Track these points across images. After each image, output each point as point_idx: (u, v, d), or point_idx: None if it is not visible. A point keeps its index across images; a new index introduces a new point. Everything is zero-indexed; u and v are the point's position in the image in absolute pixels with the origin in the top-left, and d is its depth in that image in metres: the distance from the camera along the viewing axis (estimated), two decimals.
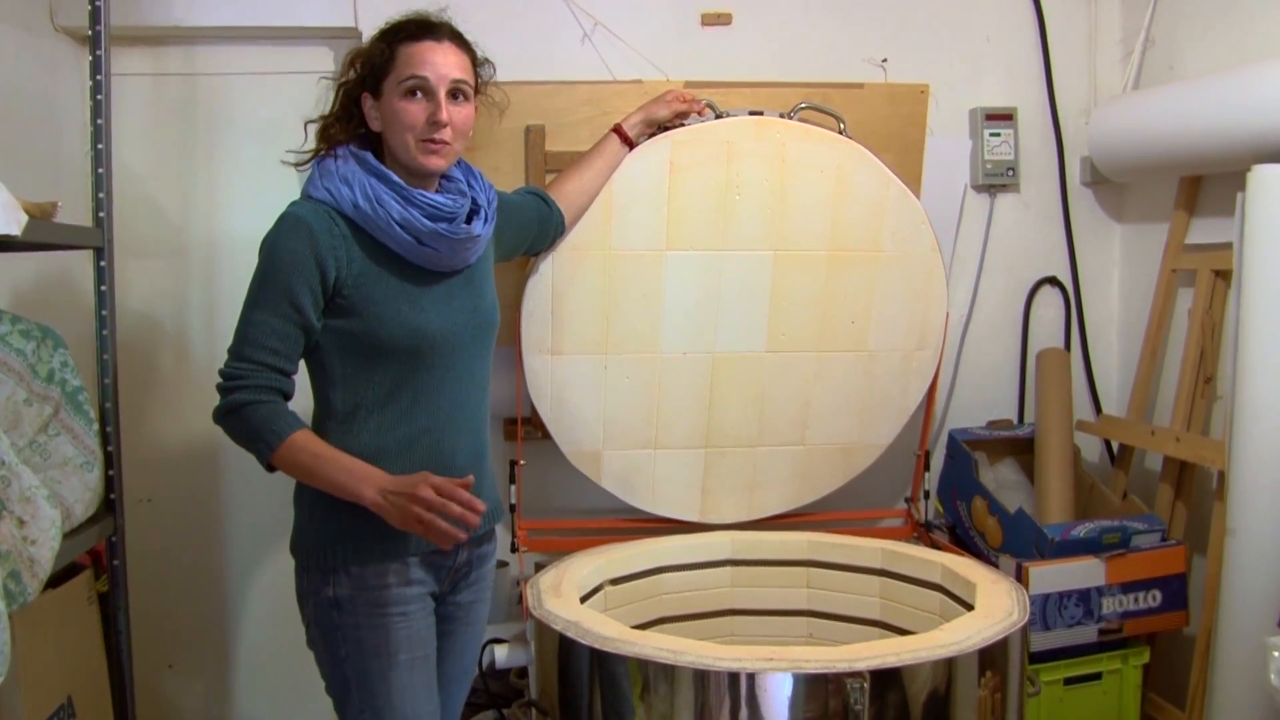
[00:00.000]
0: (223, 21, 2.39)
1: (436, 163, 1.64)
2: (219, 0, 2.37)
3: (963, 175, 2.49)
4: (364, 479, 1.52)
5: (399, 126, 1.62)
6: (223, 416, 1.57)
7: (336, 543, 1.60)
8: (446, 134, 1.63)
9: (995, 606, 1.83)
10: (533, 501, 2.38)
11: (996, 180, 2.61)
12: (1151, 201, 2.60)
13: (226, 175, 2.51)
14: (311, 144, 1.71)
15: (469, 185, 1.74)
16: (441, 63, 1.62)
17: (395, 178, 1.62)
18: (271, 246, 1.58)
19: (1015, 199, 2.67)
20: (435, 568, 1.68)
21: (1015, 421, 2.67)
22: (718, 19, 2.50)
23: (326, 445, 1.57)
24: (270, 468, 1.58)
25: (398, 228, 1.60)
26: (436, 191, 1.69)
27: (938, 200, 2.32)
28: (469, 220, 1.69)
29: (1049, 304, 2.71)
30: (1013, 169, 2.61)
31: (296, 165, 1.71)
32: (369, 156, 1.64)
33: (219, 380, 1.57)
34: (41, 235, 1.59)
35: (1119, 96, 2.55)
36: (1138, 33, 2.56)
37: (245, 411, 1.54)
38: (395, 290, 1.62)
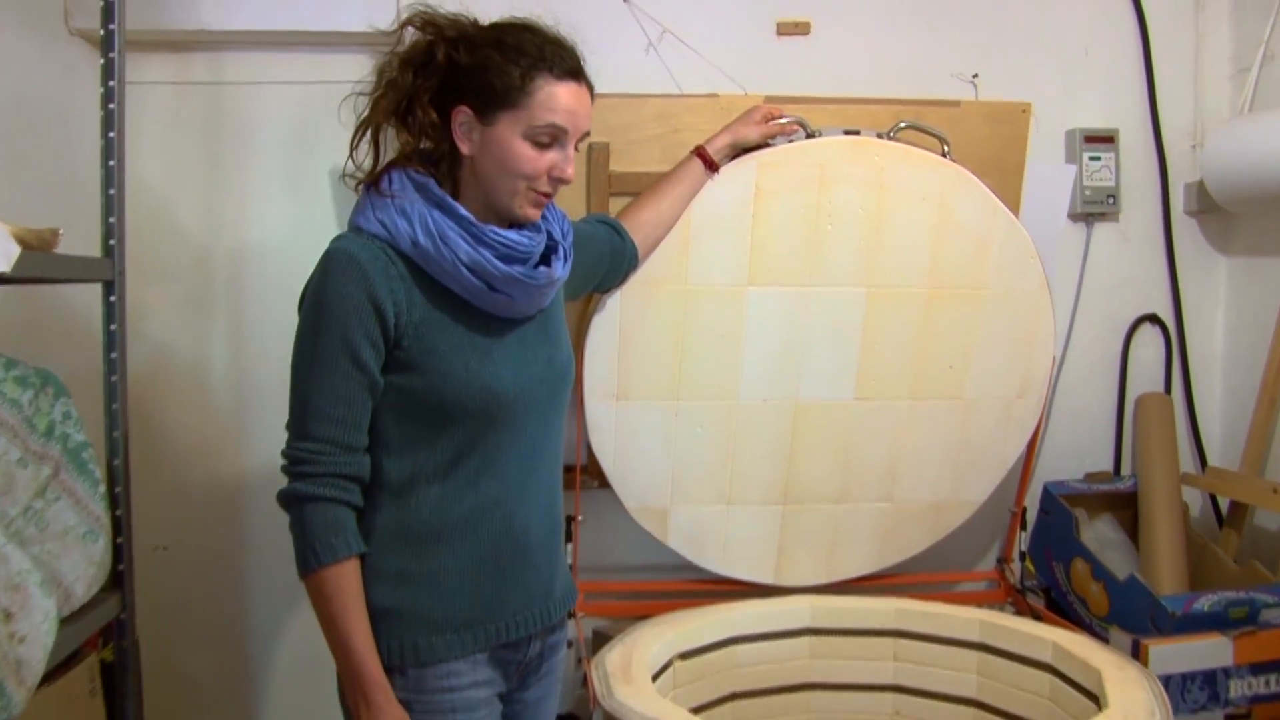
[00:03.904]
0: (253, 25, 2.16)
1: (537, 215, 1.43)
2: (249, 2, 2.15)
3: (1064, 203, 2.26)
4: (372, 683, 1.33)
5: (512, 171, 1.38)
6: (285, 505, 1.36)
7: (393, 636, 1.37)
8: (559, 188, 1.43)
9: (1132, 704, 1.62)
10: (589, 557, 2.15)
11: (1095, 209, 2.38)
12: (1261, 233, 2.38)
13: (254, 193, 2.28)
14: (365, 161, 1.44)
15: (543, 217, 1.50)
16: (582, 113, 1.40)
17: (463, 211, 1.37)
18: (320, 293, 1.34)
19: (1113, 229, 2.44)
20: (504, 664, 1.45)
21: (1113, 473, 2.44)
22: (795, 28, 2.27)
23: (361, 602, 1.35)
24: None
25: (465, 271, 1.36)
26: (506, 226, 1.46)
27: (1035, 231, 2.09)
28: (545, 260, 1.46)
29: (1149, 344, 2.47)
30: (1113, 196, 2.38)
31: (359, 184, 1.45)
32: (431, 185, 1.39)
33: (283, 463, 1.36)
34: (39, 269, 1.35)
35: (1242, 116, 2.32)
36: (1253, 47, 2.34)
37: (307, 510, 1.33)
38: (462, 341, 1.39)
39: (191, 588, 2.32)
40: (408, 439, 1.38)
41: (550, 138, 1.37)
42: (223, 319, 2.30)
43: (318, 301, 1.34)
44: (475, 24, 1.43)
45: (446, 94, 1.39)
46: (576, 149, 1.43)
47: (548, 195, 1.42)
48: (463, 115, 1.38)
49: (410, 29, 1.43)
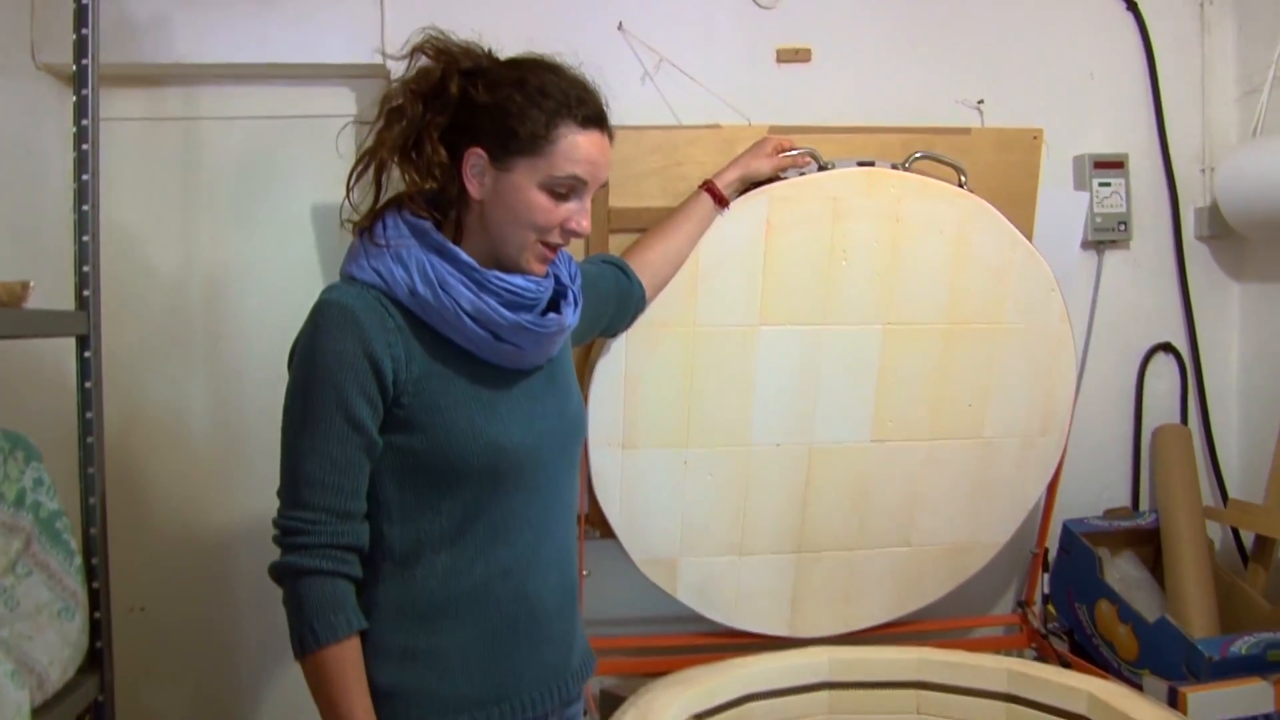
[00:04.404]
0: (228, 58, 2.05)
1: (544, 269, 1.33)
2: (226, 34, 2.04)
3: (1077, 232, 2.19)
4: None
5: (524, 221, 1.27)
6: (278, 579, 1.24)
7: (399, 712, 1.26)
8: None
9: None
10: (594, 611, 2.03)
11: (1106, 236, 2.31)
12: (1276, 257, 2.32)
13: (230, 231, 2.16)
14: (361, 201, 1.32)
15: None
16: (604, 164, 1.31)
17: (464, 256, 1.26)
18: (311, 349, 1.23)
19: (1124, 256, 2.37)
20: None
21: (1132, 508, 2.36)
22: (795, 55, 2.19)
23: (364, 683, 1.23)
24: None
25: (468, 320, 1.25)
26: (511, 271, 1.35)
27: (1049, 261, 2.01)
28: (554, 306, 1.36)
29: (1163, 373, 2.40)
30: (1124, 223, 2.31)
31: (357, 226, 1.32)
32: (430, 229, 1.27)
33: (274, 533, 1.23)
34: (7, 327, 1.24)
35: (1257, 138, 2.26)
36: (1260, 69, 2.28)
37: (303, 585, 1.21)
38: (465, 396, 1.27)
39: (172, 651, 2.18)
40: (410, 504, 1.27)
41: (569, 189, 1.28)
42: (201, 364, 2.18)
43: (309, 358, 1.23)
44: (490, 56, 1.32)
45: (458, 132, 1.28)
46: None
47: (556, 249, 1.32)
48: (475, 157, 1.27)
49: (421, 57, 1.30)
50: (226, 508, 2.17)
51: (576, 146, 1.26)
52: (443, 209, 1.31)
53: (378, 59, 2.05)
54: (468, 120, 1.27)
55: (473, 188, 1.28)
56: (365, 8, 2.05)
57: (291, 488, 1.23)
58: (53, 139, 2.03)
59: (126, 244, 2.14)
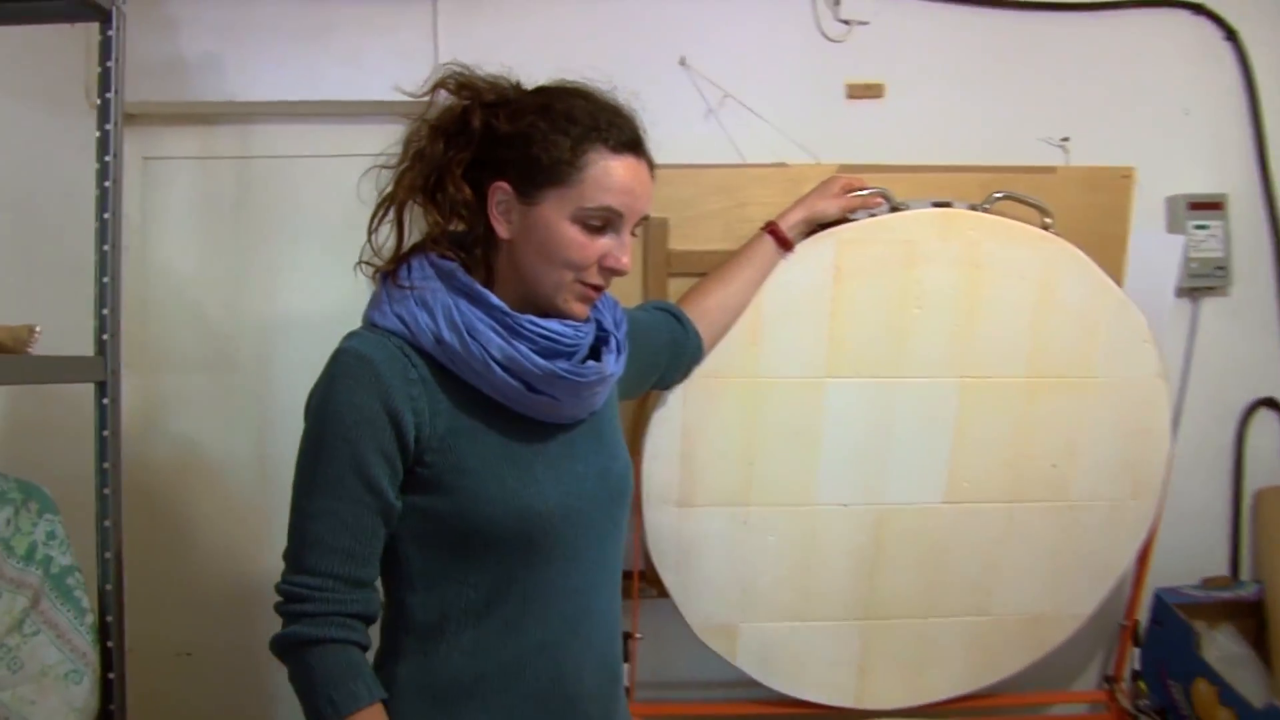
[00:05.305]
0: (280, 96, 2.02)
1: (585, 311, 1.22)
2: (278, 72, 2.01)
3: (1170, 278, 2.03)
4: None
5: (557, 259, 1.17)
6: (281, 651, 1.13)
7: None
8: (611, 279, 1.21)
9: None
10: (647, 673, 1.93)
11: (1203, 282, 2.15)
12: None
13: (284, 275, 2.12)
14: (386, 245, 1.23)
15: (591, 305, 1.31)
16: (641, 193, 1.19)
17: (494, 299, 1.16)
18: (326, 401, 1.13)
19: (1223, 304, 2.20)
20: None
21: (1231, 577, 2.18)
22: (867, 91, 2.08)
23: None
24: None
25: (498, 369, 1.15)
26: (550, 315, 1.26)
27: (1140, 309, 1.87)
28: (595, 354, 1.25)
29: (1266, 431, 2.21)
30: (1223, 268, 2.15)
31: (376, 272, 1.23)
32: (457, 271, 1.18)
33: (277, 600, 1.13)
34: (17, 373, 1.17)
35: None
36: None
37: (313, 655, 1.11)
38: (496, 453, 1.17)
39: (216, 696, 2.15)
40: (434, 572, 1.17)
41: (603, 221, 1.17)
42: (251, 407, 2.14)
43: (323, 411, 1.13)
44: (518, 87, 1.24)
45: (483, 167, 1.19)
46: (634, 234, 1.23)
47: (598, 289, 1.21)
48: (501, 193, 1.18)
49: (443, 92, 1.22)
50: (273, 553, 2.10)
51: (609, 174, 1.16)
52: (471, 251, 1.22)
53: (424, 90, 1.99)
54: (491, 154, 1.18)
55: (500, 226, 1.19)
56: (419, 44, 2.01)
57: (297, 550, 1.13)
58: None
59: (177, 285, 2.11)
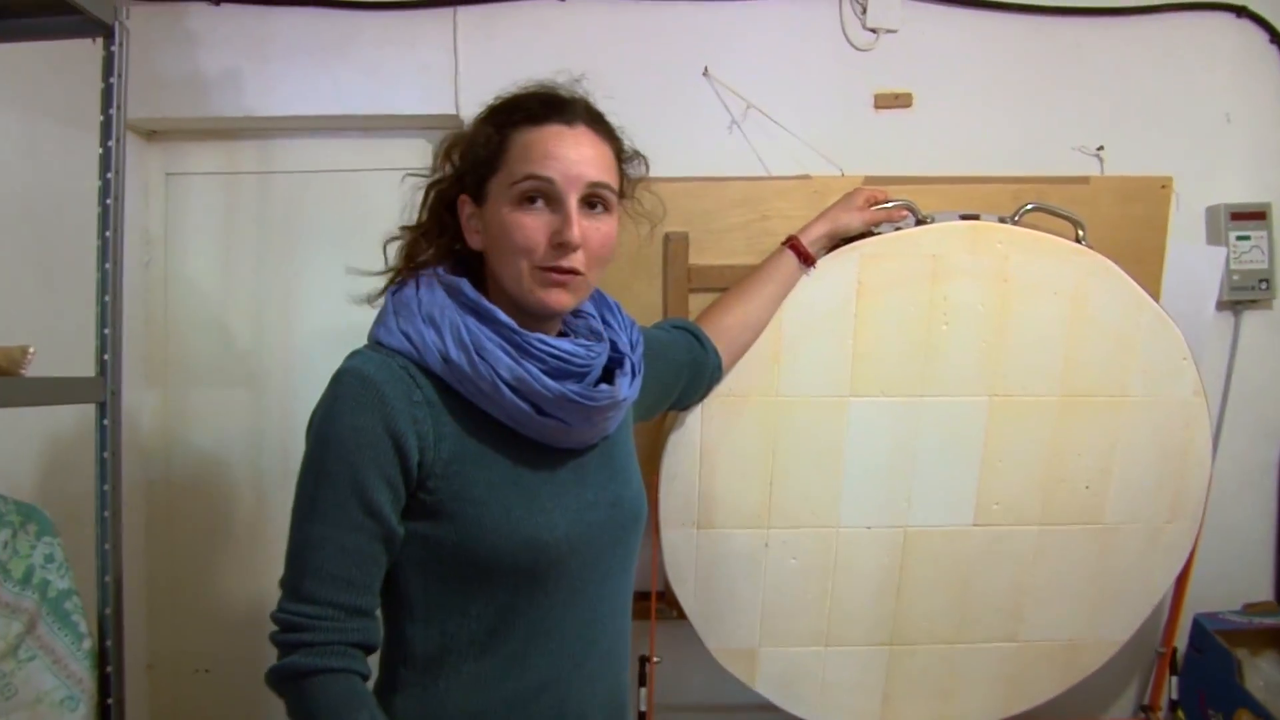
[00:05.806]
0: (301, 110, 2.00)
1: (560, 299, 1.16)
2: (297, 86, 1.99)
3: (1212, 292, 1.97)
4: None
5: (509, 247, 1.14)
6: (278, 682, 1.08)
7: None
8: (577, 260, 1.14)
9: None
10: (664, 695, 1.89)
11: (1245, 295, 2.08)
12: None
13: (306, 289, 2.11)
14: (392, 264, 1.24)
15: (605, 323, 1.27)
16: (575, 158, 1.14)
17: (503, 316, 1.14)
18: (326, 423, 1.10)
19: (1266, 318, 2.13)
20: None
21: (1275, 602, 2.10)
22: (895, 100, 2.03)
23: None
24: None
25: (507, 391, 1.11)
26: (560, 335, 1.22)
27: (1179, 325, 1.80)
28: (608, 376, 1.22)
29: None
30: (1266, 280, 2.08)
31: (385, 287, 1.23)
32: (465, 286, 1.15)
33: (273, 629, 1.09)
34: (17, 395, 1.14)
35: None
36: None
37: (314, 686, 1.06)
38: (503, 480, 1.13)
39: (235, 713, 2.13)
40: (435, 602, 1.14)
41: (536, 192, 1.14)
42: (272, 423, 2.13)
43: (324, 433, 1.10)
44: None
45: (459, 192, 1.22)
46: (607, 211, 1.17)
47: (563, 271, 1.14)
48: (464, 204, 1.20)
49: (466, 120, 1.25)
50: None
51: (531, 143, 1.14)
52: (472, 271, 1.21)
53: (452, 109, 1.98)
54: (460, 181, 1.21)
55: (471, 238, 1.20)
56: (439, 57, 1.98)
57: (295, 578, 1.09)
58: (133, 195, 2.00)
59: (199, 299, 2.11)
